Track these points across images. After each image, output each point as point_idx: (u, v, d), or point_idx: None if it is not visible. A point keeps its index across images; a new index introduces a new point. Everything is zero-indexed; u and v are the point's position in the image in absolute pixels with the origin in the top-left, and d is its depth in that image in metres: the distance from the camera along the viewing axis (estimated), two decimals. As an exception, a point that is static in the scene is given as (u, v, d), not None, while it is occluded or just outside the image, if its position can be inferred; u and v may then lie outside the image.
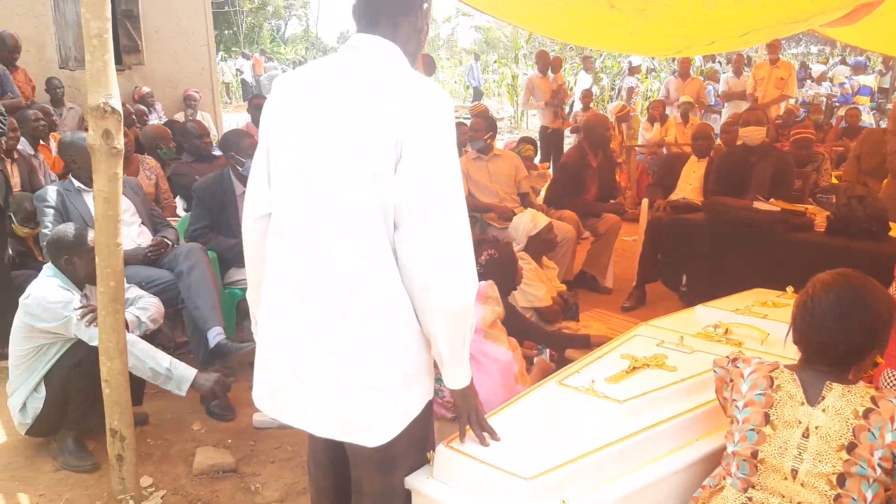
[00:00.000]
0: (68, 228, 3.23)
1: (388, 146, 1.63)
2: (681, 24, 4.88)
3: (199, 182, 4.31)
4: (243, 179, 4.25)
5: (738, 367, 1.93)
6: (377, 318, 1.68)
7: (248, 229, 1.88)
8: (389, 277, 1.68)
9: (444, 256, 1.65)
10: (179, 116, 9.14)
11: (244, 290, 4.12)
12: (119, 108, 2.60)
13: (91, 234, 3.24)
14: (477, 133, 5.52)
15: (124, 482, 2.88)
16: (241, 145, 4.16)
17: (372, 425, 1.70)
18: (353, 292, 1.67)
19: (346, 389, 1.70)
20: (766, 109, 8.72)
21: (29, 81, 6.98)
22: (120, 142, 2.63)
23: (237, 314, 4.16)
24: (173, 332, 4.31)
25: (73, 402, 3.15)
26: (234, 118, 13.13)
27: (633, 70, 12.92)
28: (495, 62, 25.71)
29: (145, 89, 8.93)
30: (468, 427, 1.89)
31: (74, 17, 8.88)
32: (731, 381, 1.93)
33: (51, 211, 3.85)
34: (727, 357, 2.00)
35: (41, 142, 5.67)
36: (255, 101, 7.04)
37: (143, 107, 7.39)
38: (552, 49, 14.75)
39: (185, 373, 3.17)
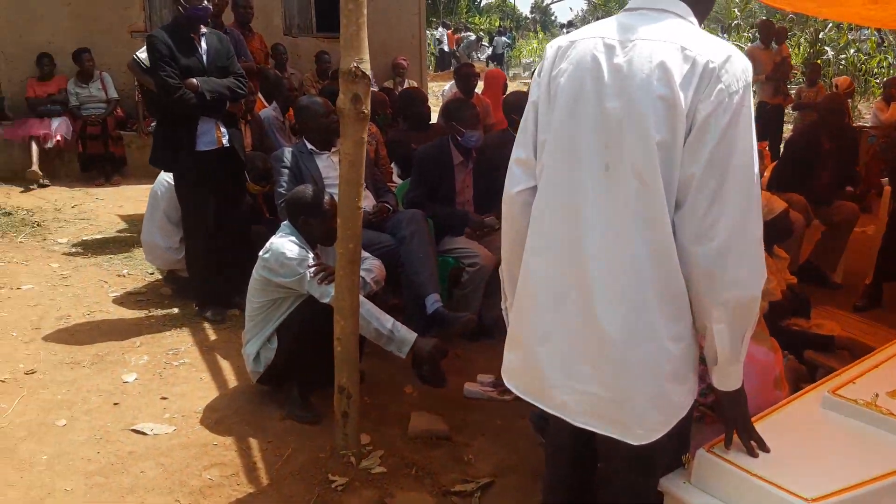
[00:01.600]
0: (306, 190, 3.36)
1: (680, 114, 1.48)
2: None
3: (420, 150, 4.36)
4: (462, 149, 4.24)
5: None
6: (653, 305, 1.55)
7: (509, 202, 1.80)
8: (668, 261, 1.54)
9: (734, 240, 1.49)
10: (389, 84, 9.39)
11: (457, 258, 4.15)
12: (369, 72, 2.62)
13: (326, 197, 3.35)
14: None
15: (347, 438, 2.97)
16: (463, 115, 4.15)
17: (641, 422, 1.58)
18: (633, 274, 1.55)
19: (619, 382, 1.58)
20: None
21: (263, 48, 7.42)
22: (367, 106, 2.66)
23: (448, 282, 4.18)
24: (386, 295, 4.42)
25: (301, 356, 3.29)
26: (440, 87, 13.33)
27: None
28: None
29: (358, 56, 9.23)
30: (735, 434, 1.72)
31: (300, -15, 9.35)
32: None
33: (286, 171, 4.03)
34: None
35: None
36: (462, 70, 7.04)
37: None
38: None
39: (407, 335, 3.21)
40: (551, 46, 1.74)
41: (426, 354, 3.20)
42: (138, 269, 5.35)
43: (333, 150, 4.21)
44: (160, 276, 5.12)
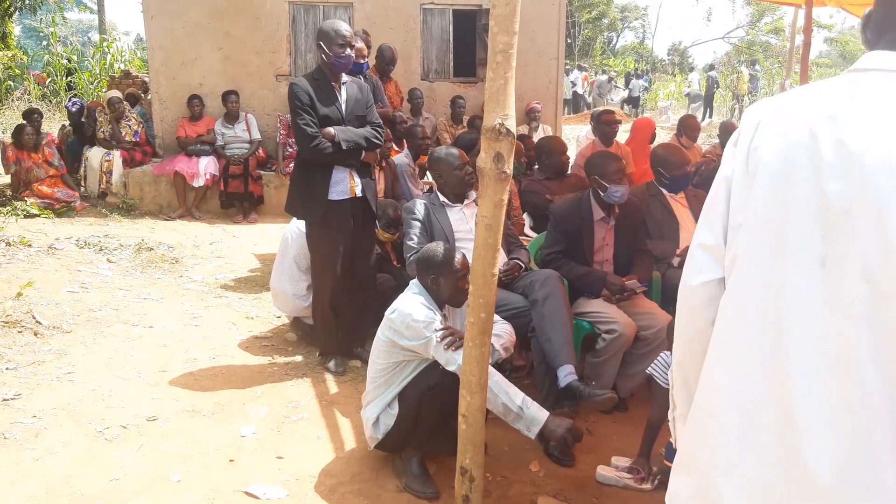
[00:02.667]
0: (438, 248, 3.17)
1: None
2: None
3: (558, 204, 4.10)
4: (604, 204, 3.95)
5: None
6: (882, 447, 1.20)
7: (690, 294, 1.49)
8: None
9: None
10: (523, 129, 9.20)
11: (592, 323, 3.83)
12: (514, 129, 2.40)
13: (458, 256, 3.15)
14: None
15: (467, 523, 2.71)
16: (606, 169, 3.86)
17: None
18: (855, 403, 1.21)
19: None
20: None
21: (398, 92, 7.44)
22: (510, 166, 2.44)
23: (582, 349, 3.86)
24: (511, 355, 4.15)
25: (422, 424, 3.07)
26: (573, 130, 13.04)
27: None
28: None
29: (493, 101, 9.09)
30: None
31: (439, 31, 9.39)
32: None
33: (417, 224, 3.88)
34: None
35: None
36: (603, 117, 6.74)
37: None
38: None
39: (537, 414, 2.93)
40: (752, 112, 1.43)
41: (558, 437, 2.90)
42: (266, 312, 5.35)
43: (466, 202, 4.02)
44: (286, 321, 5.09)
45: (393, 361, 3.13)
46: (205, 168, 8.30)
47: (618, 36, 44.99)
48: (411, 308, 3.04)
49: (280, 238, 4.89)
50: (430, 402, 3.02)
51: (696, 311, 1.47)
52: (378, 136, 4.18)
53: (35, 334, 4.56)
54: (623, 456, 3.35)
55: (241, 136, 8.53)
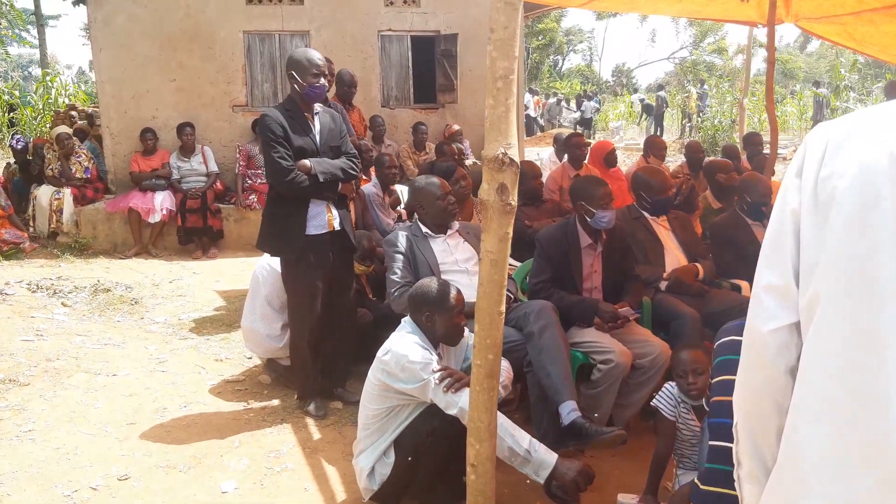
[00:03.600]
0: (431, 284, 3.01)
1: None
2: None
3: (543, 231, 3.97)
4: (590, 230, 3.84)
5: None
6: None
7: (759, 343, 1.34)
8: None
9: None
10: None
11: (586, 353, 3.69)
12: (517, 158, 2.26)
13: (453, 291, 2.99)
14: None
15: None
16: (593, 194, 3.76)
17: None
18: None
19: None
20: None
21: (362, 120, 7.28)
22: (514, 197, 2.29)
23: (576, 379, 3.72)
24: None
25: (421, 473, 2.89)
26: (531, 153, 13.04)
27: None
28: (793, 93, 23.57)
29: (455, 127, 9.02)
30: None
31: (398, 57, 9.29)
32: None
33: (400, 257, 3.71)
34: None
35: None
36: (572, 140, 6.68)
37: (460, 145, 7.38)
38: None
39: (546, 457, 2.77)
40: (816, 138, 1.29)
41: (569, 481, 2.73)
42: (236, 353, 5.10)
43: (450, 232, 3.87)
44: (258, 362, 4.85)
45: (387, 406, 2.95)
46: (160, 203, 8.01)
47: (563, 59, 45.68)
48: (406, 349, 2.87)
49: (243, 273, 4.67)
50: (429, 448, 2.84)
51: (766, 360, 1.33)
52: (354, 166, 4.02)
53: (-12, 389, 4.24)
54: (628, 493, 3.21)
55: (198, 168, 8.27)
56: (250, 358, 4.96)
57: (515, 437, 2.76)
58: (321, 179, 3.85)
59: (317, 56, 3.87)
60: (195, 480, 3.39)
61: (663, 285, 4.17)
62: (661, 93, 23.36)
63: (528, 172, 5.23)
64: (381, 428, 2.98)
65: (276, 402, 4.32)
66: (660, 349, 3.63)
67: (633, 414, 3.81)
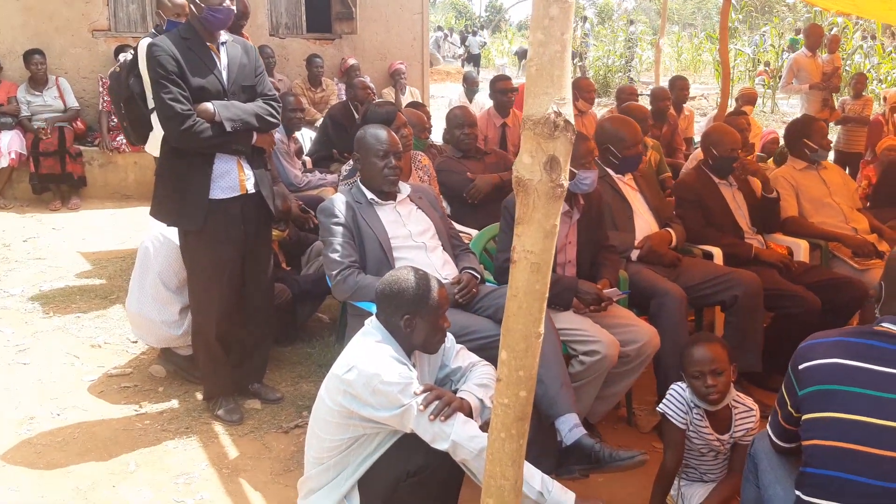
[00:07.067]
0: (408, 277, 2.29)
1: None
2: None
3: (511, 197, 3.30)
4: (567, 196, 3.21)
5: None
6: None
7: None
8: None
9: None
10: (388, 92, 8.30)
11: (566, 342, 3.08)
12: (573, 119, 1.57)
13: (435, 285, 2.30)
14: None
15: None
16: (574, 152, 3.11)
17: None
18: None
19: None
20: None
21: (252, 51, 6.27)
22: (566, 175, 1.62)
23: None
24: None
25: (398, 523, 2.23)
26: (437, 90, 12.12)
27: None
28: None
29: (351, 61, 8.09)
30: None
31: (289, -21, 8.21)
32: None
33: (340, 230, 2.94)
34: None
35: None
36: (499, 84, 5.96)
37: (369, 84, 6.47)
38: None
39: (562, 498, 2.18)
40: None
41: (592, 526, 2.16)
42: (116, 336, 4.20)
43: (400, 198, 3.14)
44: (146, 347, 3.99)
45: (348, 437, 2.25)
46: (8, 145, 6.75)
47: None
48: (377, 365, 2.16)
49: (113, 228, 3.76)
50: (410, 494, 2.18)
51: None
52: (274, 112, 3.20)
53: None
54: (627, 511, 2.70)
55: (53, 104, 7.02)
56: (135, 342, 4.08)
57: (525, 476, 2.14)
58: (228, 128, 3.03)
59: (218, -34, 2.98)
60: (81, 528, 2.59)
61: (635, 255, 3.64)
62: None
63: (464, 120, 4.52)
64: (340, 463, 2.28)
65: (175, 403, 3.51)
66: (648, 336, 3.09)
67: (610, 408, 3.31)
